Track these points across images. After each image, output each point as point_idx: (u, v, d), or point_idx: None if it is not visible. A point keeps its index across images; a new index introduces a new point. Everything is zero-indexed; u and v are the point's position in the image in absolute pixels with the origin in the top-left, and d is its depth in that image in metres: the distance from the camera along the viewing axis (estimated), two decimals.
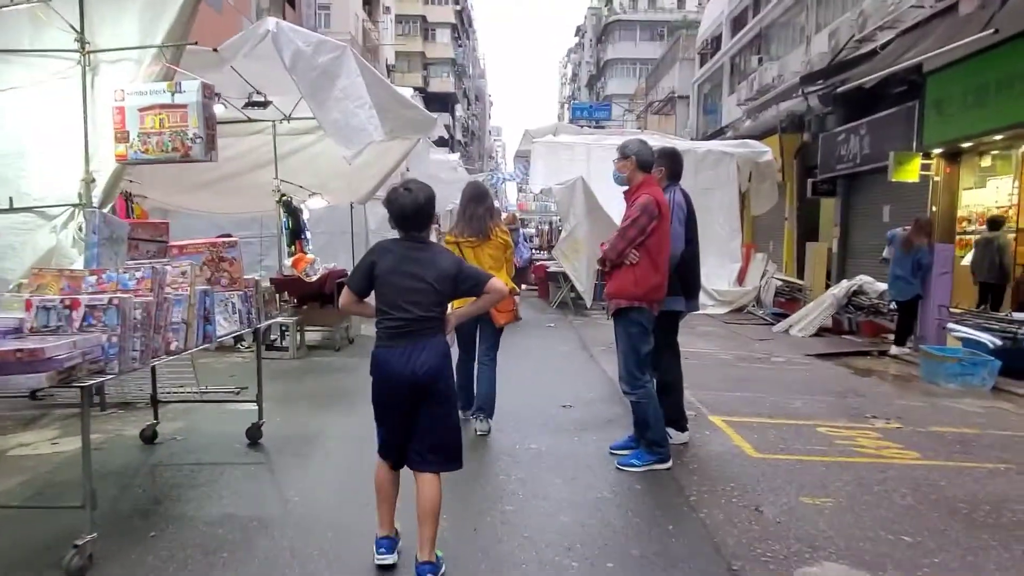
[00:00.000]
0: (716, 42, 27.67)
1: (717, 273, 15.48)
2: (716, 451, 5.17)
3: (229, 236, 8.84)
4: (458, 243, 5.26)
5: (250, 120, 9.08)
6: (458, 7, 64.84)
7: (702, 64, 29.77)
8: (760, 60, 21.87)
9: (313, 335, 9.09)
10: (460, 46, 68.05)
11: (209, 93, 5.00)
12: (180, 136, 4.94)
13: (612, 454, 4.86)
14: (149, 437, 4.93)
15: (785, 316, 12.63)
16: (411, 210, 3.16)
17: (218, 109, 8.81)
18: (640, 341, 4.48)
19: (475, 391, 5.42)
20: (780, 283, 13.80)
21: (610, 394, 6.67)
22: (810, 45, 18.74)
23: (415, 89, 34.79)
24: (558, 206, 14.51)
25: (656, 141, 17.04)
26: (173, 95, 4.92)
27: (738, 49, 24.80)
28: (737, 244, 15.81)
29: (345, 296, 3.26)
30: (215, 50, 6.68)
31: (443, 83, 62.20)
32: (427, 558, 3.03)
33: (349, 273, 3.67)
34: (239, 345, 8.50)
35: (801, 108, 18.06)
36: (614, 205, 15.02)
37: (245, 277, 4.34)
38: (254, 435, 4.96)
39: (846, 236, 16.55)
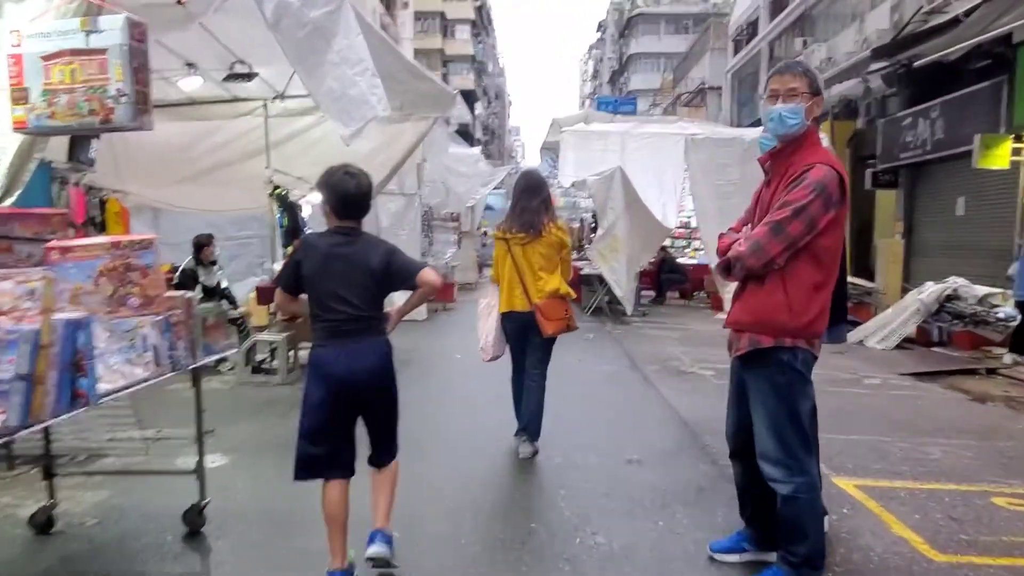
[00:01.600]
0: (752, 27, 26.03)
1: None
2: (877, 551, 3.42)
3: (210, 237, 7.54)
4: (506, 239, 4.64)
5: (236, 99, 7.72)
6: (477, 3, 63.59)
7: (736, 52, 28.13)
8: (805, 43, 20.21)
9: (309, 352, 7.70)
10: (480, 43, 66.81)
11: (139, 35, 3.60)
12: (98, 94, 3.55)
13: (716, 559, 3.28)
14: (42, 524, 3.38)
15: (852, 323, 11.04)
16: (355, 196, 2.99)
17: (194, 83, 7.49)
18: (798, 400, 2.87)
19: (523, 408, 4.79)
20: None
21: (686, 441, 5.22)
22: (864, 23, 17.07)
23: None
24: (593, 200, 13.04)
25: (697, 128, 15.56)
26: (88, 35, 3.52)
27: (778, 33, 23.16)
28: None
29: (277, 295, 3.11)
30: (179, 1, 5.24)
31: (463, 80, 61.00)
32: (383, 524, 2.96)
33: None
34: (220, 367, 7.13)
35: (856, 92, 16.45)
36: (652, 195, 13.67)
37: (163, 297, 2.73)
38: (194, 523, 3.40)
39: (910, 232, 14.90)
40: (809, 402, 2.94)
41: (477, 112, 64.82)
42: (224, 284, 7.62)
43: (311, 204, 9.36)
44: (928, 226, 14.33)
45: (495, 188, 32.57)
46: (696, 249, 18.82)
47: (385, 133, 8.24)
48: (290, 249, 8.62)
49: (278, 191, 8.19)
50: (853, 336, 10.05)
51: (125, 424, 4.19)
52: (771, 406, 2.88)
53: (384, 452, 3.07)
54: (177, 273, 7.34)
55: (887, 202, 16.46)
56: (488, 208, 23.53)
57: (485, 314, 4.83)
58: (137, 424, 4.23)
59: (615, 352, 8.37)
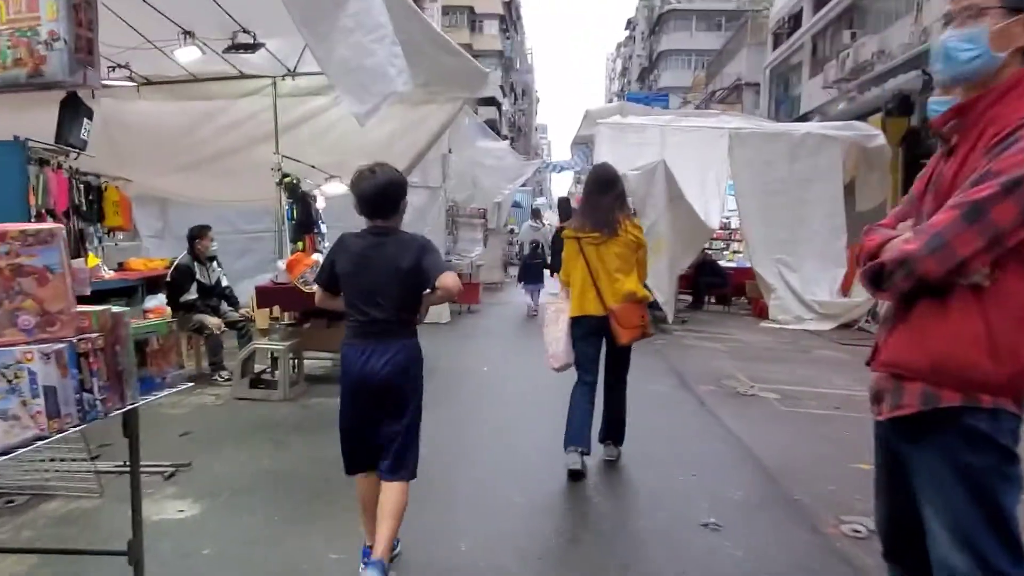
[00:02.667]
0: (794, 20, 24.83)
1: (816, 280, 12.91)
2: None
3: (204, 228, 6.73)
4: (578, 238, 4.31)
5: (242, 76, 6.92)
6: None
7: (776, 46, 26.92)
8: (853, 35, 19.07)
9: (317, 363, 6.86)
10: (508, 38, 65.97)
11: None
12: (27, 37, 2.73)
13: None
14: None
15: None
16: (370, 194, 2.89)
17: (191, 53, 6.69)
18: (1001, 490, 1.82)
19: (604, 417, 4.59)
20: None
21: (769, 494, 4.18)
22: (921, 12, 15.93)
23: None
24: (633, 196, 12.06)
25: (742, 122, 14.56)
26: None
27: (823, 25, 21.99)
28: (841, 245, 13.15)
29: (317, 291, 3.08)
30: None
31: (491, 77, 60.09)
32: (380, 555, 2.80)
33: None
34: (218, 375, 6.32)
35: (913, 86, 15.31)
36: (693, 192, 12.67)
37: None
38: None
39: None
40: (1018, 492, 1.96)
41: (504, 109, 64.00)
42: (224, 282, 6.82)
43: (325, 195, 8.54)
44: None
45: (522, 185, 31.69)
46: (735, 251, 17.83)
47: (407, 117, 7.40)
48: (301, 245, 7.82)
49: (287, 180, 7.37)
50: None
51: (76, 455, 3.36)
52: (956, 500, 1.84)
53: (392, 463, 2.89)
54: (171, 270, 6.55)
55: None
56: (516, 205, 22.66)
57: (554, 319, 4.44)
58: (87, 454, 3.40)
59: (660, 367, 7.45)
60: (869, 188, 13.84)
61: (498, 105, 53.31)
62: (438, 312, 10.84)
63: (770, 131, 13.47)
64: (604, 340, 4.36)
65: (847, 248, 13.31)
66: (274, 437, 4.81)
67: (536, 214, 16.56)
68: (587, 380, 4.38)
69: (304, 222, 7.88)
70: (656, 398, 6.08)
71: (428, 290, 2.84)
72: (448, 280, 2.78)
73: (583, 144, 16.34)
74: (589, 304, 4.24)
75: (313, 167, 7.90)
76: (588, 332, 4.30)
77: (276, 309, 6.10)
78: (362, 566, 2.87)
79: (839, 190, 13.27)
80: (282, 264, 6.07)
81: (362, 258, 2.83)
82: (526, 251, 13.38)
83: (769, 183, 13.13)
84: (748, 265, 16.97)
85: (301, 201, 7.85)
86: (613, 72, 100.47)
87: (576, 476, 4.17)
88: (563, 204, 14.99)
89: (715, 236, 15.85)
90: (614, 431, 4.57)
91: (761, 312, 13.36)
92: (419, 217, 10.86)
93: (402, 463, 2.88)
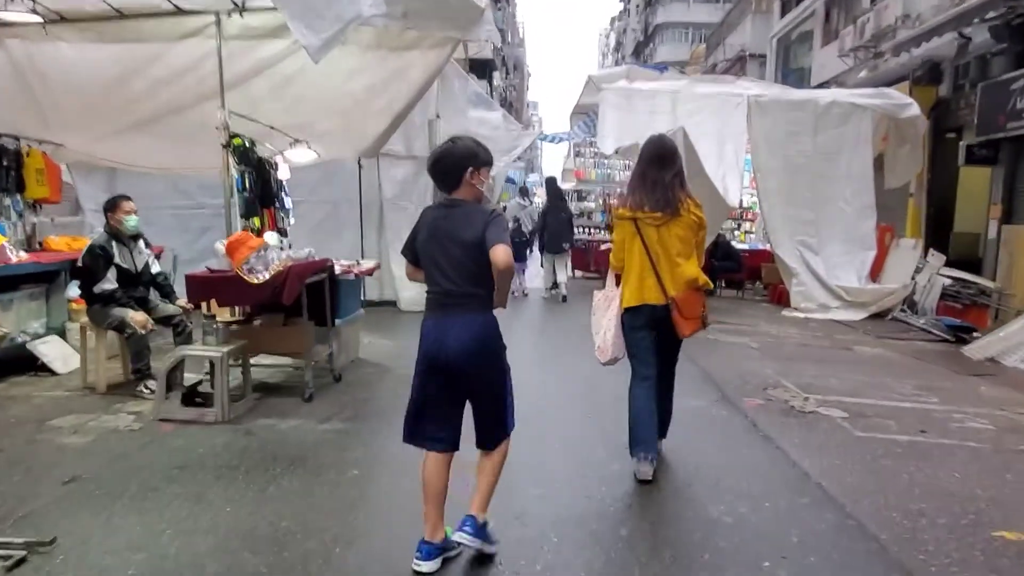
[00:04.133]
0: None
1: (843, 264, 11.73)
2: None
3: (119, 199, 5.41)
4: (635, 219, 3.84)
5: (179, 11, 5.56)
6: None
7: (783, 14, 25.52)
8: None
9: (270, 371, 5.59)
10: (499, 9, 64.01)
11: None
12: None
13: None
14: None
15: (966, 329, 8.85)
16: (429, 167, 2.88)
17: None
18: None
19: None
20: (950, 282, 9.96)
21: (860, 552, 3.06)
22: None
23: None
24: None
25: (761, 89, 13.25)
26: None
27: None
28: (871, 226, 12.00)
29: (406, 266, 3.04)
30: None
31: (481, 48, 58.38)
32: (475, 511, 2.85)
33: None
34: (143, 387, 5.04)
35: (944, 52, 14.05)
36: (710, 166, 11.38)
37: None
38: None
39: (1008, 220, 12.59)
40: None
41: (496, 83, 62.26)
42: (155, 268, 5.52)
43: (290, 163, 7.23)
44: None
45: (515, 160, 30.34)
46: (747, 232, 16.59)
47: (386, 66, 6.09)
48: (257, 222, 6.54)
49: (236, 142, 6.05)
50: (980, 349, 7.86)
51: None
52: None
53: (486, 435, 2.94)
54: (83, 253, 5.23)
55: (975, 182, 14.11)
56: (509, 181, 21.31)
57: (603, 307, 4.03)
58: None
59: (690, 372, 6.22)
60: (900, 163, 12.64)
61: (490, 75, 51.75)
62: (402, 297, 9.60)
63: (793, 99, 12.19)
64: (663, 330, 3.88)
65: (876, 228, 12.16)
66: (196, 488, 3.51)
67: (524, 192, 15.45)
68: (647, 375, 3.92)
69: (262, 195, 6.56)
70: (695, 419, 4.84)
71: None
72: (498, 253, 2.65)
73: (584, 114, 15.01)
74: (649, 292, 3.83)
75: (273, 128, 6.58)
76: (646, 323, 3.87)
77: (214, 305, 4.83)
78: (416, 561, 2.76)
79: (868, 165, 12.05)
80: (221, 247, 4.76)
81: (432, 229, 2.83)
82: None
83: (791, 156, 11.90)
84: (761, 247, 15.82)
85: (257, 169, 6.53)
86: (607, 47, 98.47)
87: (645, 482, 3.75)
88: (551, 184, 13.86)
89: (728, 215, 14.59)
90: (663, 427, 4.16)
91: (780, 299, 12.19)
92: (402, 192, 9.58)
93: (491, 437, 2.93)
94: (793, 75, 24.76)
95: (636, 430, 3.85)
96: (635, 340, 3.89)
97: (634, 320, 3.88)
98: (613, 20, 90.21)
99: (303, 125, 6.75)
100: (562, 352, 7.36)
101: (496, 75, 64.79)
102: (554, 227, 12.16)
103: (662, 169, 3.84)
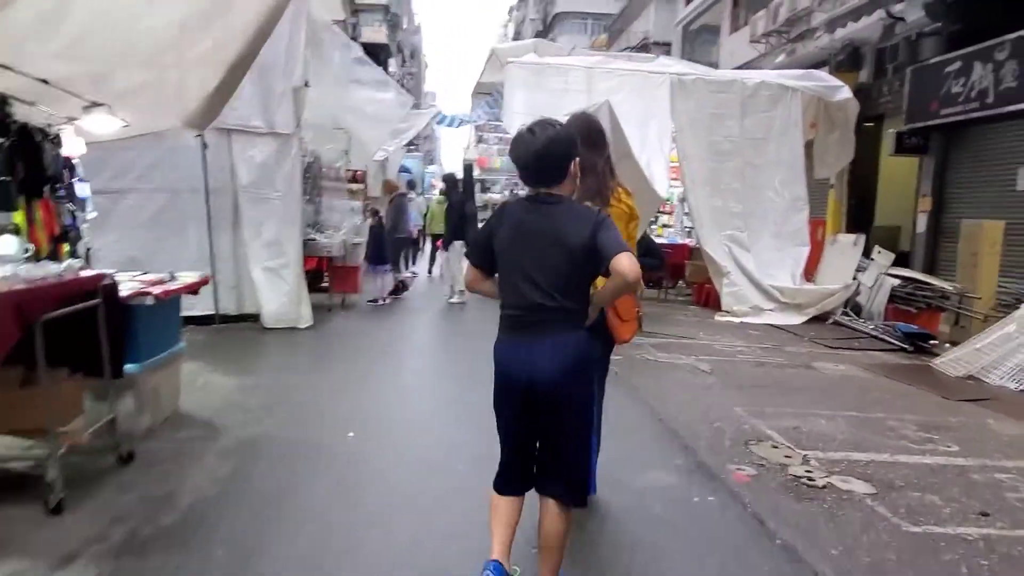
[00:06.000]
0: None
1: (775, 262, 10.62)
2: None
3: None
4: None
5: None
6: None
7: (689, 1, 24.73)
8: None
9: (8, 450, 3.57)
10: None
11: None
12: None
13: None
14: None
15: (923, 336, 7.81)
16: (527, 160, 2.37)
17: None
18: None
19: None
20: (899, 282, 8.93)
21: None
22: None
23: None
24: None
25: (685, 67, 11.98)
26: None
27: None
28: (803, 219, 10.95)
29: (471, 273, 2.55)
30: None
31: (375, 32, 56.00)
32: None
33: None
34: None
35: (868, 35, 13.25)
36: (633, 148, 9.90)
37: None
38: None
39: (939, 212, 11.89)
40: None
41: (391, 70, 59.97)
42: None
43: (87, 137, 5.19)
44: (967, 204, 11.31)
45: (410, 147, 28.19)
46: (664, 225, 15.40)
47: None
48: (18, 217, 4.50)
49: None
50: (951, 362, 6.74)
51: None
52: None
53: (556, 482, 2.44)
54: None
55: (900, 173, 13.43)
56: (404, 171, 19.36)
57: None
58: None
59: (638, 415, 4.67)
60: (830, 152, 11.68)
61: (385, 61, 49.50)
62: (292, 311, 7.66)
63: (718, 79, 10.97)
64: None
65: (809, 223, 11.14)
66: None
67: (412, 185, 13.80)
68: None
69: (28, 179, 4.50)
70: (670, 512, 3.23)
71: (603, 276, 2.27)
72: (624, 263, 2.19)
73: (487, 93, 13.35)
74: None
75: (47, 83, 4.52)
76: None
77: None
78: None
79: (799, 152, 11.00)
80: None
81: (523, 230, 2.35)
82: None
83: (717, 143, 10.68)
84: (680, 242, 14.67)
85: (23, 141, 4.47)
86: (505, 38, 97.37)
87: None
88: (466, 172, 12.23)
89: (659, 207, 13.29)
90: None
91: (708, 300, 10.98)
92: (263, 177, 7.59)
93: (571, 485, 2.44)
94: (700, 64, 24.02)
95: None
96: None
97: None
98: (511, 10, 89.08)
99: (95, 78, 4.71)
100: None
101: (392, 61, 62.48)
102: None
103: (591, 152, 3.15)
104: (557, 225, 2.30)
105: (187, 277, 4.37)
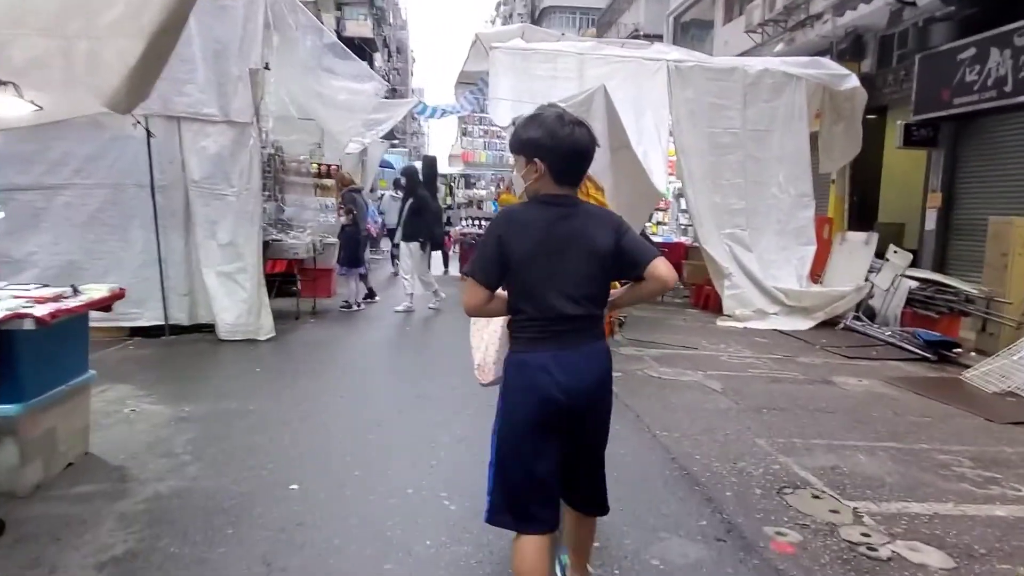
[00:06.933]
0: None
1: (779, 262, 9.92)
2: None
3: None
4: None
5: None
6: None
7: None
8: None
9: None
10: None
11: None
12: None
13: None
14: None
15: (948, 344, 7.12)
16: (588, 150, 2.18)
17: None
18: None
19: None
20: (916, 284, 8.24)
21: None
22: None
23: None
24: None
25: (682, 54, 11.23)
26: None
27: None
28: (808, 217, 10.24)
29: (474, 293, 2.18)
30: None
31: (360, 27, 55.23)
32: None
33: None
34: None
35: (873, 21, 12.58)
36: (638, 134, 8.94)
37: None
38: None
39: (949, 208, 11.23)
40: None
41: (377, 64, 59.15)
42: None
43: None
44: (980, 200, 10.66)
45: (394, 142, 27.36)
46: (659, 223, 14.66)
47: None
48: None
49: None
50: (982, 375, 6.04)
51: None
52: None
53: (596, 496, 2.35)
54: None
55: (905, 167, 12.80)
56: (385, 166, 18.54)
57: (484, 319, 2.76)
58: None
59: (645, 453, 3.91)
60: (836, 144, 10.95)
61: (370, 56, 48.66)
62: (256, 325, 6.86)
63: (718, 66, 10.22)
64: None
65: (815, 220, 10.44)
66: None
67: (398, 183, 12.95)
68: None
69: None
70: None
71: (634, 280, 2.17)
72: (663, 269, 2.12)
73: (471, 83, 12.53)
74: None
75: None
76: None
77: None
78: None
79: (804, 145, 10.28)
80: None
81: (549, 235, 2.13)
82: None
83: (717, 134, 9.94)
84: (676, 240, 13.95)
85: None
86: None
87: None
88: (428, 166, 11.35)
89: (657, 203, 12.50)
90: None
91: (707, 303, 10.26)
92: (217, 171, 6.78)
93: (604, 496, 2.36)
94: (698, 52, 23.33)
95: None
96: None
97: None
98: (499, 4, 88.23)
99: None
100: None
101: (377, 56, 61.69)
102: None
103: None
104: (586, 230, 2.14)
105: (94, 291, 3.55)
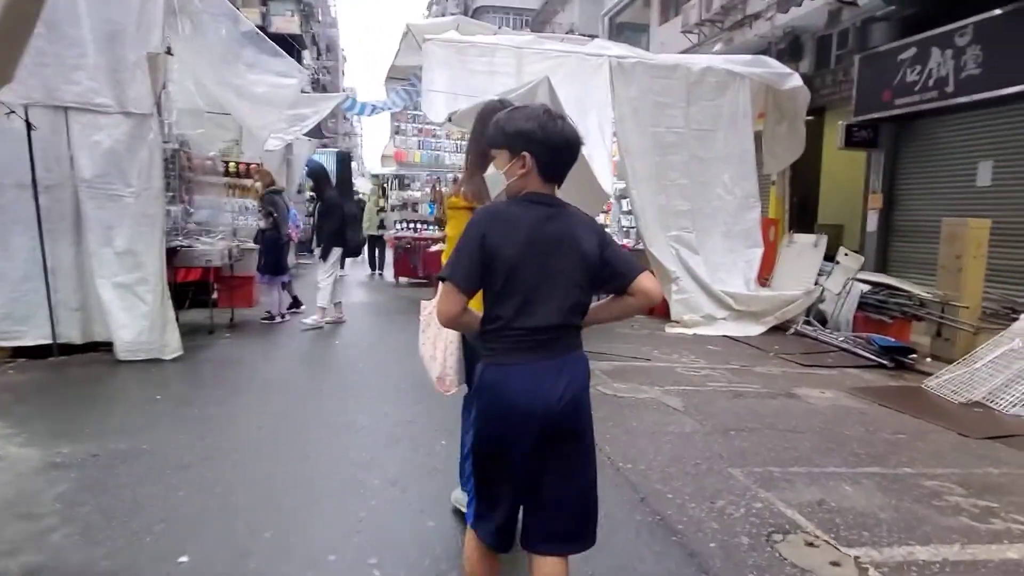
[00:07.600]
0: None
1: (726, 265, 9.62)
2: None
3: None
4: (473, 208, 2.87)
5: None
6: None
7: None
8: None
9: None
10: None
11: None
12: None
13: None
14: None
15: (903, 350, 6.90)
16: (569, 152, 2.03)
17: None
18: None
19: None
20: (868, 287, 8.02)
21: None
22: None
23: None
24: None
25: (624, 50, 10.84)
26: None
27: None
28: (755, 218, 9.98)
29: (454, 300, 1.95)
30: None
31: (287, 23, 53.53)
32: None
33: None
34: None
35: (812, 21, 12.53)
36: (583, 133, 8.56)
37: None
38: None
39: (890, 210, 11.20)
40: None
41: (306, 62, 57.44)
42: None
43: None
44: (921, 201, 10.65)
45: (324, 141, 26.30)
46: (602, 225, 14.34)
47: None
48: None
49: None
50: (946, 384, 5.78)
51: None
52: None
53: (572, 526, 2.04)
54: None
55: (844, 168, 12.79)
56: (313, 165, 17.58)
57: (435, 322, 2.70)
58: None
59: (611, 494, 3.36)
60: (779, 144, 10.75)
61: (299, 53, 47.09)
62: (154, 339, 6.07)
63: (661, 63, 9.86)
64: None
65: (761, 222, 10.20)
66: None
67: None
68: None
69: None
70: None
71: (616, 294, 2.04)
72: (650, 283, 2.02)
73: (403, 79, 11.84)
74: None
75: None
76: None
77: None
78: None
79: (749, 146, 10.01)
80: None
81: (538, 236, 1.96)
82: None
83: (661, 133, 9.58)
84: (620, 242, 13.59)
85: None
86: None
87: None
88: (342, 164, 10.52)
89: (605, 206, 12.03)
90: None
91: (653, 308, 9.90)
92: (112, 168, 5.95)
93: (587, 526, 2.06)
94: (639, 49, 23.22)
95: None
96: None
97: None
98: (431, 4, 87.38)
99: None
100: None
101: (306, 54, 59.94)
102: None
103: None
104: (575, 233, 2.00)
105: None
